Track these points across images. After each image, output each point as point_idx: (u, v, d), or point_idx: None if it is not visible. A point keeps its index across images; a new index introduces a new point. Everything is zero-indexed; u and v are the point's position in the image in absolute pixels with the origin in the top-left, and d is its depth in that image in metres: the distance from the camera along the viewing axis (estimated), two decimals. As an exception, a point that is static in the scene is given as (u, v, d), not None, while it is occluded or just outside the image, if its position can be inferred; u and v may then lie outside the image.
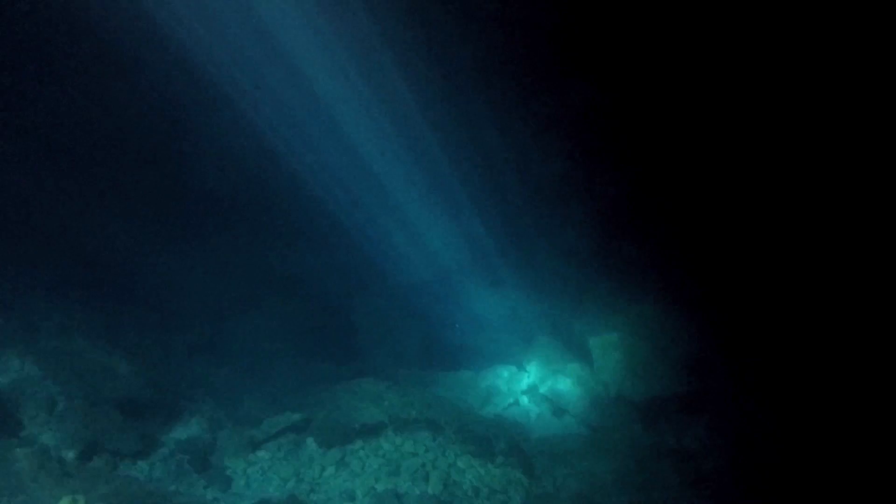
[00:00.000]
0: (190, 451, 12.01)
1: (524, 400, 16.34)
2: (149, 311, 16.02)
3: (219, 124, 15.99)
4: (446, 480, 11.44)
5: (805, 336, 13.45)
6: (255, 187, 17.52)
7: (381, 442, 12.27)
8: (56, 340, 13.52)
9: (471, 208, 18.81)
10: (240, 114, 16.42)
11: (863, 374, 12.66)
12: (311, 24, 15.52)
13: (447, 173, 18.06)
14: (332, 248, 19.01)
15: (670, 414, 15.32)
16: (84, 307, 14.77)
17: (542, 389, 16.50)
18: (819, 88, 11.52)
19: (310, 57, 16.55)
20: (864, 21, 10.57)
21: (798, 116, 12.00)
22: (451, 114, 16.16)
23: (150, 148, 15.87)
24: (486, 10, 13.65)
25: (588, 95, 14.36)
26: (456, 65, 14.83)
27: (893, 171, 11.31)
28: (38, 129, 14.43)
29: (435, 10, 13.92)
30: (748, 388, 14.75)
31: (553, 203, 16.89)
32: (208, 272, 17.26)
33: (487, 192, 18.08)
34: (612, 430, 15.02)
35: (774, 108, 12.22)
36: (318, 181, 18.44)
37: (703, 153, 13.66)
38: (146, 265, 16.19)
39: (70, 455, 10.65)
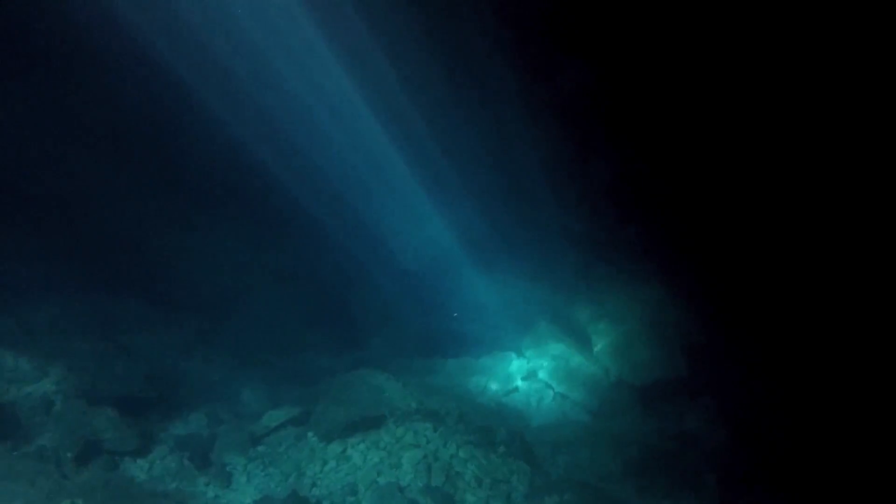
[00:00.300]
0: (189, 448, 11.91)
1: (524, 386, 16.31)
2: (145, 305, 15.83)
3: (212, 116, 15.67)
4: (448, 472, 11.38)
5: (806, 319, 13.40)
6: (250, 177, 17.23)
7: (381, 434, 12.18)
8: (52, 338, 13.35)
9: (467, 194, 18.59)
10: (234, 105, 16.10)
11: (865, 358, 12.63)
12: (307, 10, 15.25)
13: (443, 159, 17.82)
14: (328, 238, 18.78)
15: (671, 398, 15.33)
16: (79, 303, 14.60)
17: (542, 375, 16.47)
18: (826, 73, 11.28)
19: (302, 44, 16.24)
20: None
21: (801, 101, 11.77)
22: (446, 99, 15.87)
23: (144, 141, 15.56)
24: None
25: (583, 78, 14.11)
26: (449, 49, 14.53)
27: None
28: (32, 125, 14.13)
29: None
30: (749, 371, 14.75)
31: (550, 188, 16.70)
32: (205, 264, 17.05)
33: (484, 178, 17.85)
34: (612, 415, 15.03)
35: (775, 91, 11.99)
36: (314, 170, 18.18)
37: (701, 136, 13.45)
38: (142, 259, 15.99)
39: (68, 456, 10.55)
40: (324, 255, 18.87)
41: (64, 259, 14.71)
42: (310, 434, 12.47)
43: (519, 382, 16.37)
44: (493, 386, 16.26)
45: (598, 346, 16.52)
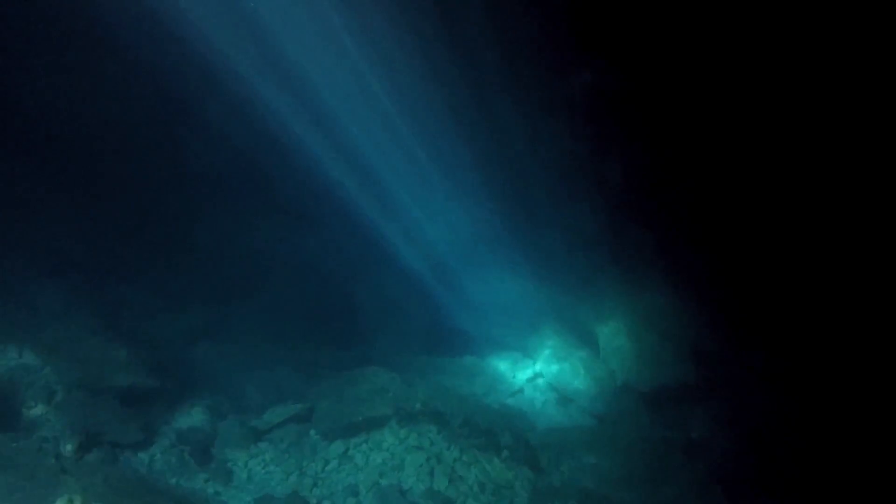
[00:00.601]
0: (191, 442, 11.82)
1: (529, 388, 16.16)
2: (149, 296, 15.72)
3: (218, 105, 15.47)
4: (451, 475, 11.26)
5: (817, 327, 13.18)
6: (256, 169, 17.05)
7: (384, 435, 12.06)
8: (54, 327, 13.24)
9: (478, 191, 18.35)
10: (240, 94, 15.89)
11: (874, 366, 12.42)
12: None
13: (454, 155, 17.57)
14: (335, 231, 18.61)
15: (678, 403, 15.12)
16: (83, 293, 14.48)
17: (548, 377, 16.29)
18: (838, 75, 10.98)
19: (312, 33, 15.99)
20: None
21: (815, 103, 11.49)
22: (460, 94, 15.61)
23: (149, 130, 15.38)
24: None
25: (601, 76, 13.85)
26: (464, 44, 14.25)
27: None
28: (36, 116, 13.97)
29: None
30: (758, 378, 14.53)
31: (561, 187, 16.45)
32: (210, 256, 16.91)
33: (495, 175, 17.61)
34: (618, 420, 14.84)
35: (792, 93, 11.70)
36: (321, 162, 17.98)
37: (716, 138, 13.19)
38: (145, 249, 15.85)
39: (69, 448, 10.46)
40: (331, 248, 18.69)
41: (69, 246, 14.63)
42: (312, 432, 12.36)
43: (524, 384, 16.21)
44: (499, 386, 16.10)
45: (606, 348, 16.31)
